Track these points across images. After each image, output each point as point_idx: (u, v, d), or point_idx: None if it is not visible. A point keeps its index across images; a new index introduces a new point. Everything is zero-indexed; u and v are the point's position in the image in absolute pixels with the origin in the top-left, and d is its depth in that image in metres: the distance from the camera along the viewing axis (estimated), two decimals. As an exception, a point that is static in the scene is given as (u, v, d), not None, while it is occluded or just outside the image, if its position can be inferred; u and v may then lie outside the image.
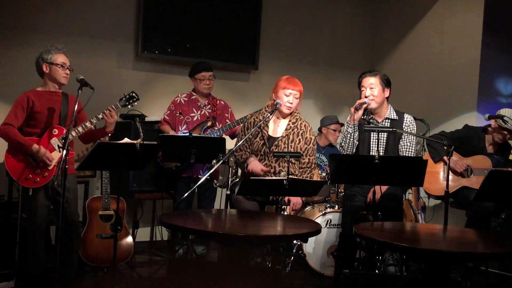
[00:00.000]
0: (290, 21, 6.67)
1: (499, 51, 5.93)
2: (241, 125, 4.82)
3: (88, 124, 4.10)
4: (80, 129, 4.08)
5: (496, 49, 5.90)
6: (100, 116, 4.12)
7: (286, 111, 4.48)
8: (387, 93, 4.42)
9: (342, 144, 4.41)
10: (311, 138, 4.54)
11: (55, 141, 4.08)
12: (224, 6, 6.16)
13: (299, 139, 4.49)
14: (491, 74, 5.91)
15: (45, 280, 4.16)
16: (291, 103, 4.45)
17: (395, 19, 6.90)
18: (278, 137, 4.48)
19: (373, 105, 4.37)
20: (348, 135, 4.35)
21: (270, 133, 4.51)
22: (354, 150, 4.39)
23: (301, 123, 4.55)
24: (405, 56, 6.72)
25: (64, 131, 4.08)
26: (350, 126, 4.34)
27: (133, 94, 4.31)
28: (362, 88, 4.42)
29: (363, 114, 4.41)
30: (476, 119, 5.70)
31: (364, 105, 4.33)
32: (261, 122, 4.40)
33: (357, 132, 4.36)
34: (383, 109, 4.45)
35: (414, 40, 6.63)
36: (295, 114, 4.57)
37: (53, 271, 4.03)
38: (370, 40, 7.19)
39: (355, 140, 4.36)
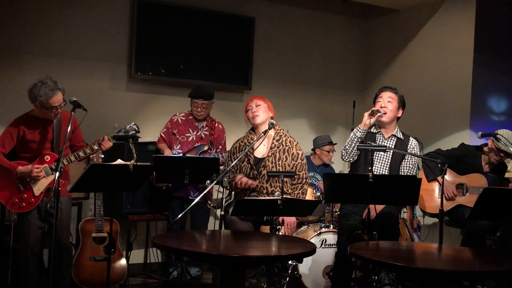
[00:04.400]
0: (283, 42, 6.71)
1: (491, 69, 5.97)
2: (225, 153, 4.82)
3: (81, 154, 4.06)
4: (72, 158, 4.04)
5: (488, 67, 5.94)
6: (96, 147, 4.06)
7: (255, 121, 4.50)
8: (400, 113, 4.44)
9: (347, 147, 4.30)
10: (298, 153, 4.51)
11: (46, 168, 4.05)
12: (217, 27, 6.19)
13: (286, 156, 4.47)
14: (483, 92, 5.95)
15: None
16: (254, 111, 4.48)
17: (387, 39, 6.95)
18: (265, 158, 4.46)
19: (385, 118, 4.34)
20: (355, 139, 4.27)
21: (256, 154, 4.49)
22: (356, 157, 4.36)
23: (285, 139, 4.52)
24: (398, 76, 6.75)
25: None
26: (359, 130, 4.26)
27: (135, 127, 4.18)
28: (379, 99, 4.41)
29: (372, 127, 4.41)
30: (469, 137, 5.72)
31: (378, 114, 4.28)
32: (255, 141, 4.39)
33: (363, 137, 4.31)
34: (392, 126, 4.44)
35: (406, 60, 6.67)
36: (278, 130, 4.55)
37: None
38: (363, 60, 7.23)
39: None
